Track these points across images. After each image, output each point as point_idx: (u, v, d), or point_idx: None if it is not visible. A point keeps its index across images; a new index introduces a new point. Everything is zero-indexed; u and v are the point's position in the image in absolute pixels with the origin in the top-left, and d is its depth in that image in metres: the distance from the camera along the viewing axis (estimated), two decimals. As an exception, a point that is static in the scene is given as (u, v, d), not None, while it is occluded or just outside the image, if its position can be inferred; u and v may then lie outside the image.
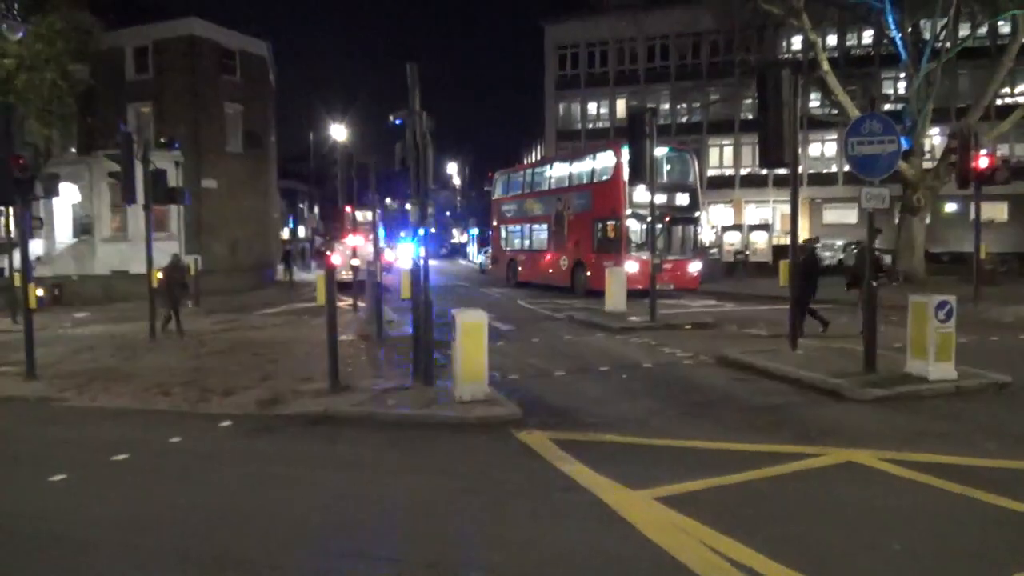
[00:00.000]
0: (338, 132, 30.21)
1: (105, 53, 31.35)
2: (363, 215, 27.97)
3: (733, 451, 7.12)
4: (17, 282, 11.66)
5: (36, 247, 29.21)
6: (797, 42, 40.70)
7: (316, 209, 51.38)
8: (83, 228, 33.08)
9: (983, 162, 19.09)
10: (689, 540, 4.99)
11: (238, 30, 36.77)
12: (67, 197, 30.23)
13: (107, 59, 32.23)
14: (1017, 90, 40.15)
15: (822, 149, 46.39)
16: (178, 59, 34.61)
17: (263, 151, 39.15)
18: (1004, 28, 32.92)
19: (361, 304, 20.17)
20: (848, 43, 44.12)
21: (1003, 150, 39.77)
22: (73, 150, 33.54)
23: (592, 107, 52.92)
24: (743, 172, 48.55)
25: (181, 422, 8.69)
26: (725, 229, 40.66)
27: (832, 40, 41.42)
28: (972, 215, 21.81)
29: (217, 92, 35.44)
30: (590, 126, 52.38)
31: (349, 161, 17.39)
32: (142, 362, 12.78)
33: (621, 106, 50.48)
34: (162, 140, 29.66)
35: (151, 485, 6.60)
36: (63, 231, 33.46)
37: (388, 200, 45.13)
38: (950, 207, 39.98)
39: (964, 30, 28.32)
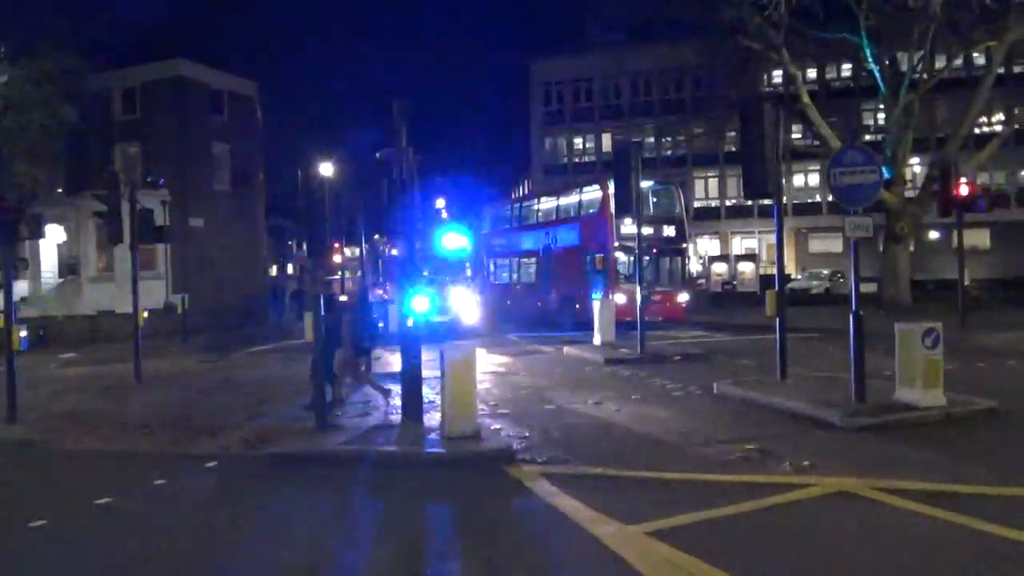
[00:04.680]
0: (326, 169, 30.38)
1: (93, 94, 31.51)
2: (351, 251, 28.02)
3: (724, 483, 7.07)
4: (0, 323, 11.53)
5: (21, 288, 29.00)
6: (778, 76, 41.43)
7: (304, 247, 51.41)
8: (69, 268, 32.92)
9: (964, 190, 19.38)
10: None
11: (225, 69, 37.11)
12: (53, 237, 30.12)
13: (95, 100, 32.37)
14: (995, 119, 40.91)
15: (806, 179, 46.94)
16: (165, 99, 34.85)
17: (251, 189, 39.26)
18: (980, 60, 33.65)
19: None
20: (828, 75, 44.93)
21: (983, 178, 40.40)
22: (60, 190, 33.52)
23: (578, 141, 53.48)
24: (728, 203, 49.01)
25: (166, 464, 8.56)
26: (712, 260, 40.98)
27: (812, 73, 42.17)
28: (955, 243, 22.06)
29: (204, 131, 35.63)
30: (576, 160, 52.86)
31: (336, 198, 17.47)
32: (128, 403, 12.63)
33: (607, 140, 51.04)
34: (149, 179, 29.69)
35: (134, 530, 6.48)
36: (48, 271, 33.27)
37: (377, 236, 45.22)
38: (933, 235, 40.43)
39: (940, 62, 28.92)
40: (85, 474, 8.39)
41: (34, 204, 26.57)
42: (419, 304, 14.11)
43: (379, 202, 11.02)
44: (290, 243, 45.54)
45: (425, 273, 20.34)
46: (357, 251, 34.42)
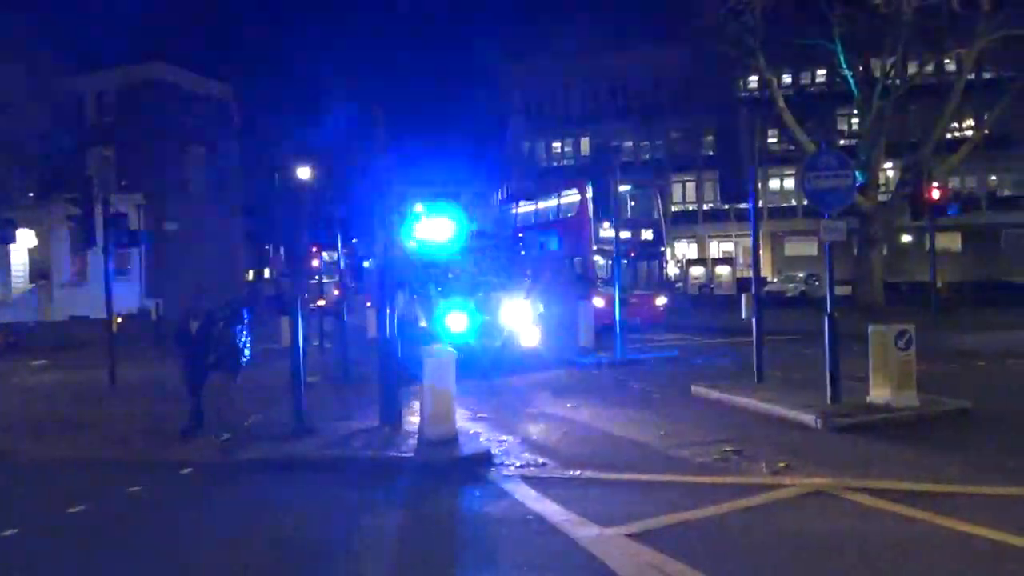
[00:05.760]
0: (303, 172, 30.21)
1: (66, 96, 31.11)
2: (329, 255, 27.84)
3: (702, 484, 7.12)
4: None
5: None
6: (755, 81, 41.87)
7: (281, 250, 51.08)
8: (40, 273, 32.43)
9: (936, 194, 19.69)
10: (660, 577, 4.95)
11: (201, 72, 36.80)
12: (23, 242, 29.66)
13: (68, 102, 31.97)
14: (966, 124, 41.61)
15: (781, 184, 47.43)
16: (140, 102, 34.49)
17: (227, 192, 38.92)
18: (951, 66, 34.22)
19: (328, 346, 19.95)
20: (803, 81, 45.45)
21: (955, 183, 41.05)
22: (31, 194, 33.02)
23: (557, 146, 53.63)
24: (706, 207, 49.38)
25: (141, 471, 8.43)
26: (690, 263, 41.23)
27: (788, 79, 42.64)
28: (928, 246, 22.40)
29: (179, 134, 35.32)
30: (555, 165, 52.99)
31: (314, 200, 17.38)
32: (101, 410, 12.43)
33: (585, 145, 51.24)
34: (123, 183, 29.36)
35: (107, 539, 6.38)
36: (19, 276, 32.75)
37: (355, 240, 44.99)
38: (906, 238, 41.02)
39: (912, 68, 29.38)
40: (58, 483, 8.24)
41: (3, 208, 26.17)
42: (455, 322, 13.62)
43: (357, 204, 10.98)
44: (267, 247, 45.22)
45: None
46: (335, 255, 34.30)
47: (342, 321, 15.61)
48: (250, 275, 44.47)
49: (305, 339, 12.43)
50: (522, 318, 15.37)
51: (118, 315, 15.86)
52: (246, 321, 10.11)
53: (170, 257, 33.86)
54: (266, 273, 45.29)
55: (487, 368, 13.77)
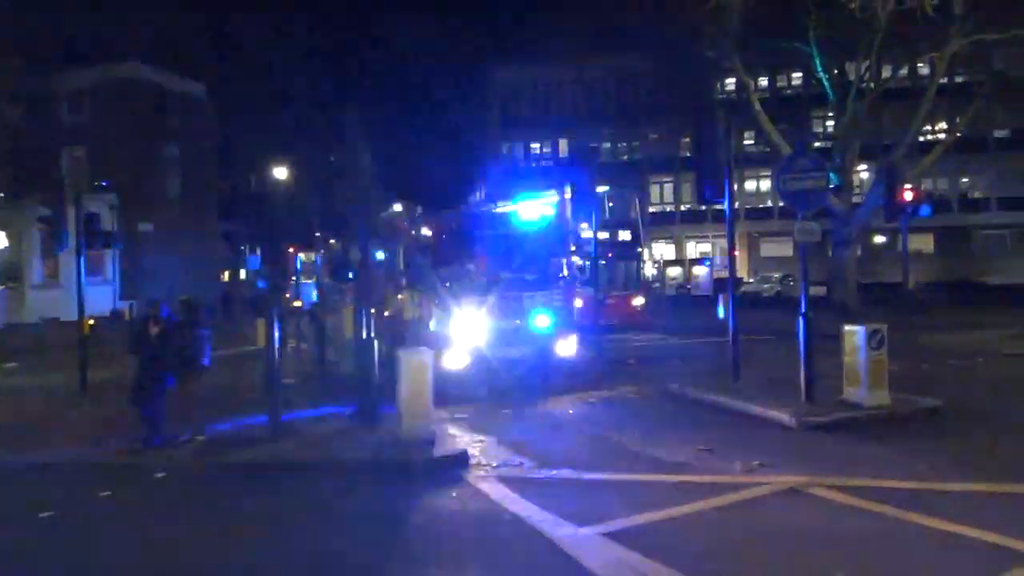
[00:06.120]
0: (281, 172, 30.00)
1: (40, 95, 30.65)
2: (307, 256, 27.66)
3: (677, 483, 7.16)
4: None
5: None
6: (731, 83, 42.22)
7: (259, 251, 50.54)
8: (11, 275, 31.88)
9: (908, 196, 19.95)
10: (636, 576, 4.98)
11: (178, 72, 36.41)
12: (-6, 243, 29.16)
13: (42, 101, 31.50)
14: (938, 127, 42.24)
15: (758, 185, 47.84)
16: (115, 102, 34.05)
17: (203, 193, 38.53)
18: (924, 70, 34.71)
19: (304, 347, 19.80)
20: (779, 84, 45.91)
21: (927, 185, 41.64)
22: (1, 195, 32.46)
23: (536, 147, 53.71)
24: (683, 208, 49.67)
25: (113, 475, 8.31)
26: (667, 264, 41.40)
27: (764, 81, 43.03)
28: (901, 247, 22.70)
29: (154, 134, 34.90)
30: (533, 165, 53.06)
31: (291, 201, 17.25)
32: (72, 413, 12.25)
33: (564, 146, 51.37)
34: (97, 183, 28.96)
35: (77, 545, 6.28)
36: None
37: (332, 241, 44.73)
38: (880, 239, 41.53)
39: (887, 72, 29.76)
40: (28, 488, 8.10)
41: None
42: (542, 321, 12.51)
43: (334, 204, 10.91)
44: (243, 248, 44.75)
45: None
46: (314, 256, 34.08)
47: (319, 322, 15.50)
48: (226, 276, 44.01)
49: (282, 340, 12.34)
50: (561, 322, 12.98)
51: (91, 317, 15.62)
52: (205, 322, 9.96)
53: (145, 259, 33.45)
54: (242, 274, 44.83)
55: (535, 385, 12.03)
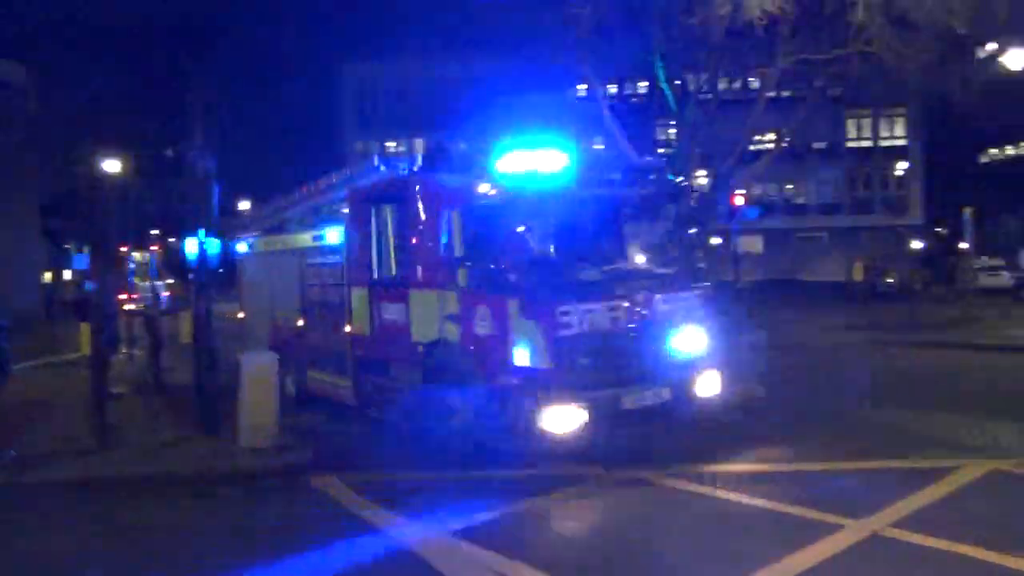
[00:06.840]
0: (112, 165, 27.90)
1: None
2: (142, 255, 25.86)
3: (524, 478, 7.28)
4: None
5: None
6: (583, 90, 43.63)
7: (86, 250, 46.32)
8: None
9: (739, 200, 21.51)
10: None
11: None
12: None
13: None
14: (767, 136, 45.80)
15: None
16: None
17: (18, 186, 34.94)
18: (755, 84, 37.47)
19: (137, 352, 18.47)
20: (627, 91, 48.04)
21: (758, 190, 45.13)
22: None
23: (391, 146, 53.23)
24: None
25: None
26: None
27: (613, 89, 44.89)
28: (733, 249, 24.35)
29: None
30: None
31: (123, 196, 16.04)
32: None
33: (419, 145, 51.18)
34: None
35: None
36: None
37: (172, 239, 42.00)
38: (716, 240, 44.45)
39: (723, 84, 31.79)
40: None
41: None
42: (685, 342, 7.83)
43: (172, 199, 10.26)
44: (68, 246, 41.03)
45: None
46: (147, 255, 31.72)
47: (154, 326, 14.49)
48: (48, 277, 40.26)
49: (112, 346, 11.45)
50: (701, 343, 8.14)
51: None
52: (4, 329, 9.02)
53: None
54: (67, 275, 41.01)
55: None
